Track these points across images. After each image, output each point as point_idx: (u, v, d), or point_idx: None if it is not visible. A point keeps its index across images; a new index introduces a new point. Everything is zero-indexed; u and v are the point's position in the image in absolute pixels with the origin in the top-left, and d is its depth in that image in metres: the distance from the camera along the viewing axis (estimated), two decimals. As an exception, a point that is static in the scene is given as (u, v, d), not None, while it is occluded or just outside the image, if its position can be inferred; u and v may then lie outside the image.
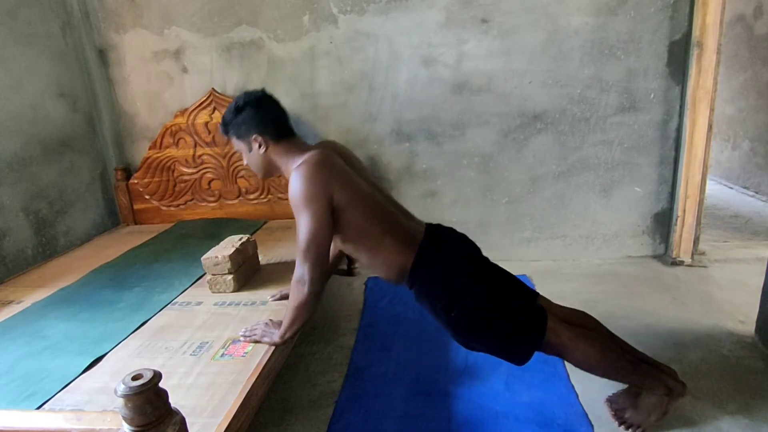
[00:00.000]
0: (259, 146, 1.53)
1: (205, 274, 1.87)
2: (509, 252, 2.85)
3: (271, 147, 1.53)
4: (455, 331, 1.51)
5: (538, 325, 1.44)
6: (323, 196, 1.40)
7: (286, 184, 2.71)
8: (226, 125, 1.57)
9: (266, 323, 1.53)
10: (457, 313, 1.46)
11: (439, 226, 1.63)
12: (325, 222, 1.40)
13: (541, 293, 1.62)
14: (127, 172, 2.88)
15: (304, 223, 1.39)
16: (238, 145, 1.58)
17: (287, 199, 2.83)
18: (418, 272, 1.49)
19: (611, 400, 1.60)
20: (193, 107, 2.71)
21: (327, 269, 1.49)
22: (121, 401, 0.82)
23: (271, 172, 1.60)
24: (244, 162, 1.62)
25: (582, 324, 1.55)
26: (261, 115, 1.53)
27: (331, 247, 1.73)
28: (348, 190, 1.44)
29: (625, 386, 1.59)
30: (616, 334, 1.60)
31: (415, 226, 1.57)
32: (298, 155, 1.51)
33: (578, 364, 1.50)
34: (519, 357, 1.48)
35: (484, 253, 1.63)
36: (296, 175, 1.42)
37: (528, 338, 1.45)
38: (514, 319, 1.46)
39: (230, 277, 1.82)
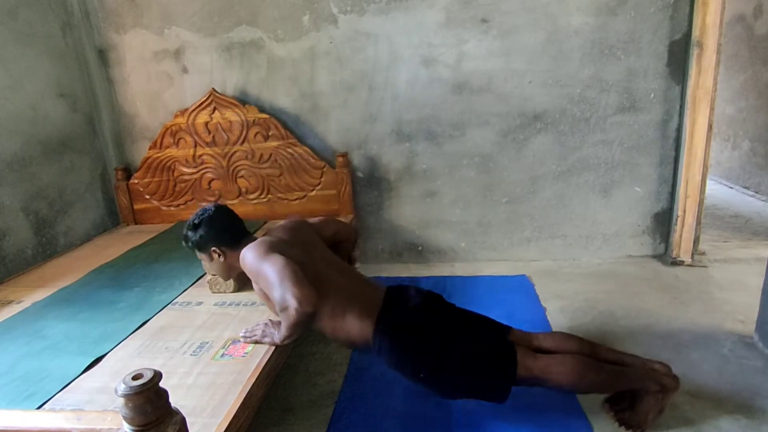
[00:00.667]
0: (219, 256, 1.65)
1: (205, 274, 1.87)
2: (509, 252, 2.85)
3: (229, 254, 1.64)
4: (430, 388, 1.54)
5: (507, 365, 1.46)
6: (275, 251, 1.45)
7: (286, 184, 2.75)
8: (186, 242, 1.68)
9: (266, 323, 1.53)
10: (425, 374, 1.50)
11: (398, 288, 1.65)
12: (288, 260, 1.41)
13: (511, 329, 1.62)
14: (127, 172, 2.88)
15: (269, 270, 1.41)
16: (200, 256, 1.70)
17: (287, 199, 2.86)
18: (380, 340, 1.50)
19: (610, 401, 1.60)
20: (193, 107, 2.71)
21: (312, 290, 1.40)
22: (121, 401, 0.82)
23: (232, 274, 1.73)
24: (205, 269, 1.78)
25: (560, 348, 1.56)
26: (215, 231, 1.63)
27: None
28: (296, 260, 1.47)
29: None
30: (614, 337, 1.60)
31: (373, 294, 1.59)
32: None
33: (559, 390, 1.52)
34: (498, 397, 1.50)
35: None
36: (245, 251, 1.51)
37: (500, 378, 1.48)
38: (482, 365, 1.49)
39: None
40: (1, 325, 1.70)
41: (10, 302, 1.90)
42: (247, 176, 2.78)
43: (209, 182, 2.82)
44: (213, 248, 1.64)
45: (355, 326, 1.51)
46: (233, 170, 2.78)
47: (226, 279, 1.80)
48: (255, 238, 1.65)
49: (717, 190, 4.11)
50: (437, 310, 1.60)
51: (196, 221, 1.65)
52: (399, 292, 1.62)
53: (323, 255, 1.66)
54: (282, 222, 1.74)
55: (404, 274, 2.74)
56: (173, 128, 2.75)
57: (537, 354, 1.50)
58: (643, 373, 1.50)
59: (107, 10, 2.71)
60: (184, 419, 0.90)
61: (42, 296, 1.92)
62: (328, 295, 1.50)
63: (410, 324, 1.52)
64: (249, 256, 1.48)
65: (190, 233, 1.66)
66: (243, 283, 1.88)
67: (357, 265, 2.82)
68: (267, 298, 1.52)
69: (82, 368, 1.40)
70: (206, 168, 2.79)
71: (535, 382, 1.48)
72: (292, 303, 1.34)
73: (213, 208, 1.68)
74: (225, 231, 1.65)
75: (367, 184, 2.82)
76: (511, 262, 2.83)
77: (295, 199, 2.78)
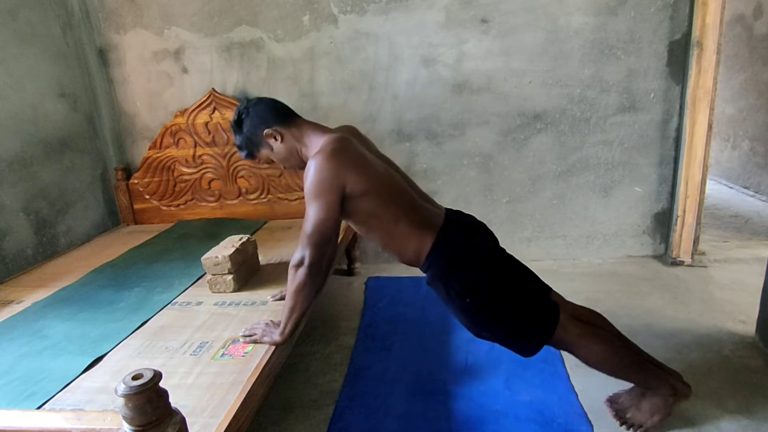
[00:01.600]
0: (275, 139, 1.53)
1: (205, 274, 1.87)
2: (509, 251, 2.84)
3: (286, 135, 1.52)
4: (468, 318, 1.50)
5: (549, 320, 1.45)
6: (335, 188, 1.38)
7: (286, 184, 2.75)
8: (242, 148, 1.58)
9: (266, 323, 1.53)
10: (471, 300, 1.45)
11: (459, 212, 1.62)
12: (334, 214, 1.39)
13: (551, 289, 1.61)
14: (128, 172, 2.88)
15: (312, 212, 1.38)
16: (264, 156, 1.58)
17: (287, 199, 2.85)
18: (436, 256, 1.47)
19: (612, 400, 1.60)
20: (193, 107, 2.71)
21: (329, 258, 1.43)
22: (121, 401, 0.82)
23: (302, 160, 1.54)
24: (282, 167, 1.62)
25: (591, 321, 1.55)
26: (256, 115, 1.53)
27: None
28: (363, 177, 1.41)
29: (627, 386, 1.59)
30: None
31: (435, 211, 1.55)
32: (316, 139, 1.50)
33: (586, 361, 1.50)
34: (528, 349, 1.48)
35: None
36: (311, 164, 1.40)
37: (539, 332, 1.46)
38: (527, 311, 1.47)
39: (230, 277, 1.82)
40: (1, 325, 1.70)
41: (10, 302, 1.89)
42: (247, 176, 2.78)
43: (209, 182, 2.82)
44: (266, 131, 1.51)
45: (414, 237, 1.46)
46: (233, 170, 2.78)
47: (299, 168, 1.57)
48: (318, 125, 1.56)
49: (717, 190, 4.11)
50: (494, 245, 1.58)
51: (236, 118, 1.55)
52: (461, 217, 1.60)
53: (390, 162, 1.60)
54: (350, 127, 1.64)
55: (405, 275, 2.74)
56: (173, 128, 2.75)
57: (576, 320, 1.49)
58: (660, 373, 1.49)
59: (107, 10, 2.71)
60: (184, 419, 0.90)
61: (42, 296, 1.92)
62: (395, 199, 1.46)
63: (470, 247, 1.48)
64: (310, 173, 1.38)
65: (237, 135, 1.56)
66: (243, 283, 1.88)
67: (357, 264, 2.83)
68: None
69: (82, 368, 1.40)
70: (206, 168, 2.79)
71: (566, 346, 1.47)
72: (307, 264, 1.36)
73: (246, 99, 1.58)
74: (269, 109, 1.54)
75: (367, 184, 2.82)
76: (511, 262, 2.83)
77: (295, 199, 2.78)
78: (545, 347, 1.49)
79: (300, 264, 1.41)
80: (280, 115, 1.55)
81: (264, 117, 1.53)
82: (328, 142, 1.43)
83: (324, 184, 1.37)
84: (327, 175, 1.37)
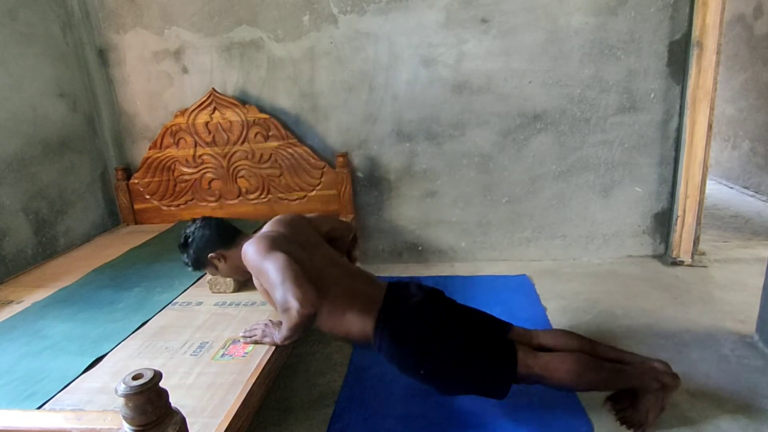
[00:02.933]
0: (220, 260, 1.67)
1: (205, 274, 1.87)
2: (509, 252, 2.85)
3: (229, 255, 1.66)
4: (430, 385, 1.54)
5: (508, 363, 1.46)
6: (276, 248, 1.44)
7: (286, 184, 2.75)
8: (188, 265, 1.71)
9: (266, 323, 1.53)
10: (425, 371, 1.50)
11: (399, 285, 1.64)
12: (289, 259, 1.40)
13: (512, 326, 1.62)
14: (128, 172, 2.88)
15: (269, 269, 1.40)
16: (208, 271, 1.74)
17: (287, 199, 2.86)
18: (380, 338, 1.50)
19: (612, 400, 1.60)
20: (194, 107, 2.71)
21: (313, 290, 1.39)
22: (121, 401, 0.82)
23: (244, 272, 1.64)
24: (213, 285, 1.80)
25: (559, 346, 1.56)
26: (205, 239, 1.65)
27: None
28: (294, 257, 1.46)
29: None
30: (614, 336, 1.60)
31: (373, 291, 1.58)
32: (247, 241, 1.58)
33: (559, 388, 1.52)
34: (498, 394, 1.51)
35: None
36: (247, 246, 1.50)
37: (500, 376, 1.48)
38: (482, 363, 1.49)
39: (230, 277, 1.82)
40: (1, 325, 1.70)
41: (10, 302, 1.90)
42: (247, 176, 2.78)
43: (209, 182, 2.82)
44: (210, 255, 1.64)
45: (355, 323, 1.51)
46: (233, 170, 2.78)
47: (242, 279, 1.78)
48: (249, 235, 1.65)
49: (717, 190, 4.11)
50: (438, 307, 1.59)
51: (182, 241, 1.68)
52: (400, 289, 1.62)
53: (322, 251, 1.65)
54: (279, 216, 1.72)
55: (404, 274, 2.74)
56: (173, 128, 2.75)
57: (537, 352, 1.50)
58: (643, 371, 1.50)
59: (107, 10, 2.71)
60: (184, 419, 0.90)
61: (42, 296, 1.92)
62: (328, 292, 1.50)
63: (411, 321, 1.51)
64: (250, 252, 1.48)
65: (183, 255, 1.69)
66: (243, 283, 1.88)
67: (357, 264, 2.83)
68: (268, 295, 1.52)
69: (82, 368, 1.40)
70: (206, 168, 2.79)
71: (535, 380, 1.48)
72: (294, 305, 1.33)
73: (193, 222, 1.70)
74: (215, 235, 1.66)
75: (367, 184, 2.82)
76: (511, 261, 2.83)
77: (295, 200, 2.78)
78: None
79: (286, 308, 1.36)
80: (224, 238, 1.67)
81: (208, 243, 1.65)
82: (257, 235, 1.56)
83: (265, 248, 1.44)
84: (265, 242, 1.47)
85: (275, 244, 1.47)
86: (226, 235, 1.68)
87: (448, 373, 1.50)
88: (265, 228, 1.64)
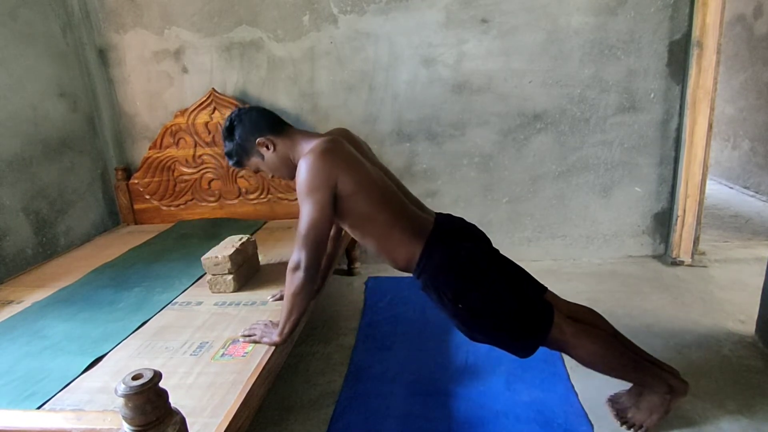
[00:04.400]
0: (267, 148, 1.53)
1: (205, 274, 1.87)
2: (509, 251, 2.78)
3: (279, 143, 1.53)
4: (461, 323, 1.50)
5: (544, 321, 1.44)
6: (327, 186, 1.39)
7: (286, 184, 2.74)
8: (231, 156, 1.57)
9: (266, 324, 1.53)
10: (464, 305, 1.45)
11: (449, 216, 1.62)
12: (327, 212, 1.40)
13: (547, 289, 1.62)
14: (128, 172, 2.88)
15: (306, 212, 1.40)
16: (254, 164, 1.58)
17: (287, 199, 2.85)
18: (426, 263, 1.47)
19: (613, 400, 1.60)
20: (194, 107, 2.71)
21: (323, 259, 1.48)
22: (121, 401, 0.82)
23: (293, 168, 1.52)
24: (269, 175, 1.62)
25: (587, 320, 1.55)
26: (249, 123, 1.53)
27: (329, 244, 1.75)
28: (354, 178, 1.42)
29: (627, 386, 1.59)
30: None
31: (425, 216, 1.56)
32: (306, 145, 1.50)
33: (581, 361, 1.50)
34: (523, 351, 1.48)
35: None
36: (302, 163, 1.41)
37: (533, 333, 1.46)
38: (520, 313, 1.46)
39: (230, 277, 1.82)
40: (1, 325, 1.70)
41: (10, 302, 1.89)
42: (247, 176, 2.78)
43: (209, 182, 2.82)
44: (259, 140, 1.51)
45: (402, 242, 1.48)
46: (233, 170, 2.78)
47: (289, 177, 1.57)
48: (310, 132, 1.58)
49: (717, 190, 4.11)
50: (486, 248, 1.57)
51: (228, 125, 1.54)
52: (451, 221, 1.59)
53: (382, 166, 1.62)
54: (343, 129, 1.64)
55: (404, 275, 2.73)
56: (173, 128, 2.75)
57: (570, 319, 1.49)
58: (656, 371, 1.49)
59: (107, 10, 2.71)
60: (184, 419, 0.90)
61: (42, 296, 1.92)
62: (384, 205, 1.46)
63: (460, 254, 1.48)
64: (302, 172, 1.39)
65: (228, 143, 1.55)
66: (243, 282, 1.88)
67: (357, 264, 2.83)
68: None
69: (82, 368, 1.40)
70: (206, 168, 2.79)
71: (561, 346, 1.47)
72: (303, 268, 1.39)
73: (236, 109, 1.58)
74: (261, 118, 1.54)
75: (367, 184, 2.82)
76: (511, 262, 2.83)
77: (295, 199, 2.76)
78: (542, 348, 1.49)
79: (297, 267, 1.42)
80: (272, 123, 1.55)
81: (256, 125, 1.52)
82: (318, 144, 1.44)
83: (315, 181, 1.38)
84: (318, 173, 1.38)
85: (329, 174, 1.38)
86: (275, 120, 1.55)
87: (486, 316, 1.46)
88: (331, 133, 1.57)
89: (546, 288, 1.61)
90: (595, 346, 1.45)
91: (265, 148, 1.53)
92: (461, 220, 1.63)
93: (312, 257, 1.41)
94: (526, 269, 1.62)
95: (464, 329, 1.52)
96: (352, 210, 1.45)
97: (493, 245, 1.63)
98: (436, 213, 1.61)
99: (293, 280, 1.43)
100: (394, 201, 1.50)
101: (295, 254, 1.43)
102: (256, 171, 1.62)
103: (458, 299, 1.45)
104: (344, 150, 1.46)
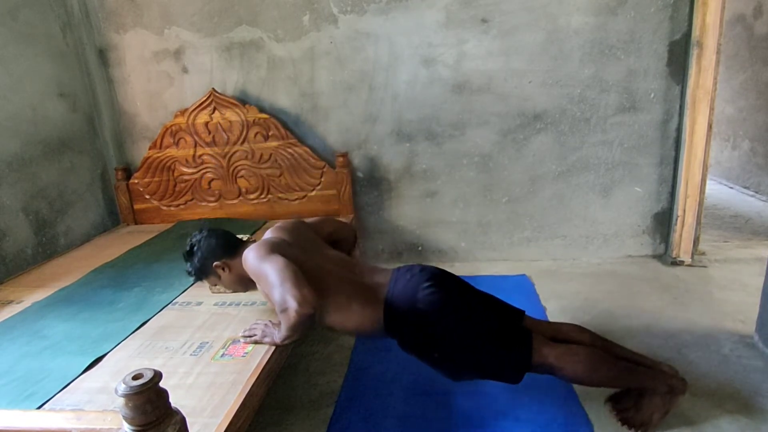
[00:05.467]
0: (224, 269, 1.65)
1: (205, 273, 1.87)
2: (509, 252, 2.85)
3: (233, 265, 1.64)
4: (442, 370, 1.54)
5: (523, 350, 1.46)
6: (277, 251, 1.46)
7: (286, 184, 2.75)
8: (192, 275, 1.70)
9: (266, 323, 1.53)
10: (439, 355, 1.50)
11: (407, 268, 1.61)
12: (287, 262, 1.42)
13: (525, 314, 1.63)
14: (127, 172, 2.88)
15: (269, 270, 1.42)
16: (211, 280, 1.72)
17: (287, 199, 2.85)
18: (391, 324, 1.51)
19: (613, 400, 1.60)
20: (193, 107, 2.71)
21: (311, 292, 1.39)
22: (121, 401, 0.82)
23: (246, 284, 1.65)
24: (222, 289, 1.77)
25: (572, 338, 1.56)
26: (210, 248, 1.65)
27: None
28: (295, 260, 1.47)
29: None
30: (614, 337, 1.60)
31: (379, 280, 1.58)
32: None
33: (571, 380, 1.52)
34: (510, 380, 1.51)
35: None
36: (247, 252, 1.51)
37: (514, 363, 1.48)
38: (497, 348, 1.48)
39: (230, 277, 1.82)
40: (1, 325, 1.70)
41: (10, 302, 1.89)
42: (247, 176, 2.78)
43: (209, 182, 2.82)
44: (215, 264, 1.64)
45: (364, 314, 1.51)
46: (233, 170, 2.78)
47: (243, 291, 1.76)
48: (252, 242, 1.66)
49: (717, 190, 4.11)
50: (450, 290, 1.56)
51: (188, 249, 1.69)
52: (406, 273, 1.58)
53: (323, 252, 1.66)
54: (279, 222, 1.75)
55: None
56: (173, 128, 2.75)
57: (551, 342, 1.49)
58: (653, 373, 1.49)
59: (107, 10, 2.71)
60: (184, 419, 0.90)
61: (42, 296, 1.92)
62: (329, 289, 1.50)
63: (422, 305, 1.48)
64: (250, 257, 1.49)
65: (188, 264, 1.69)
66: (243, 283, 1.88)
67: (357, 265, 2.84)
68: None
69: (82, 368, 1.40)
70: (206, 168, 2.79)
71: (548, 369, 1.47)
72: (292, 305, 1.34)
73: (199, 232, 1.70)
74: (219, 245, 1.67)
75: (367, 184, 2.82)
76: (511, 261, 2.83)
77: (295, 199, 2.78)
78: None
79: (283, 308, 1.37)
80: (227, 248, 1.66)
81: (213, 251, 1.65)
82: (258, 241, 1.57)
83: (265, 252, 1.46)
84: (264, 247, 1.48)
85: (274, 248, 1.48)
86: (230, 244, 1.68)
87: (462, 360, 1.49)
88: (266, 235, 1.66)
89: (523, 313, 1.61)
90: (580, 366, 1.45)
91: (221, 270, 1.66)
92: (418, 267, 1.61)
93: (295, 292, 1.35)
94: (497, 298, 1.63)
95: (448, 375, 1.56)
96: None
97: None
98: (394, 269, 1.63)
99: (286, 319, 1.39)
100: (338, 283, 1.54)
101: (277, 303, 1.38)
102: (215, 285, 1.76)
103: (431, 350, 1.50)
104: (277, 243, 1.54)
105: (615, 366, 1.48)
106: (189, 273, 1.70)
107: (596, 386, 1.53)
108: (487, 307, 1.57)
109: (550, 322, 1.62)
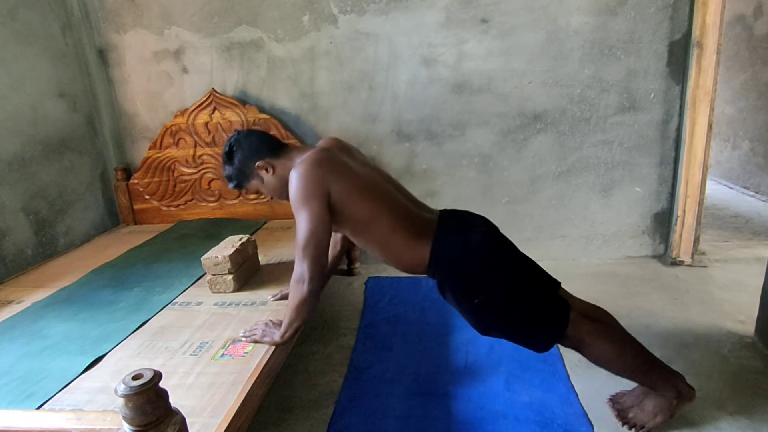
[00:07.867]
0: (266, 171, 1.55)
1: (205, 274, 1.87)
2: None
3: (277, 166, 1.55)
4: (477, 319, 1.49)
5: (560, 316, 1.43)
6: (320, 194, 1.40)
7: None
8: (231, 179, 1.59)
9: (266, 323, 1.53)
10: (480, 301, 1.44)
11: (453, 211, 1.60)
12: (324, 219, 1.40)
13: (560, 286, 1.60)
14: (127, 172, 2.88)
15: (302, 221, 1.39)
16: (254, 186, 1.60)
17: (287, 199, 2.83)
18: (436, 263, 1.46)
19: (613, 400, 1.60)
20: (193, 107, 2.71)
21: (326, 268, 1.47)
22: (121, 401, 0.82)
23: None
24: (268, 197, 1.63)
25: (602, 320, 1.54)
26: (248, 147, 1.55)
27: (331, 248, 1.74)
28: (347, 184, 1.43)
29: (628, 385, 1.59)
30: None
31: (428, 216, 1.54)
32: (299, 157, 1.51)
33: (594, 359, 1.49)
34: (540, 346, 1.47)
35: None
36: (294, 174, 1.43)
37: (550, 328, 1.44)
38: (537, 308, 1.45)
39: (230, 277, 1.82)
40: (1, 325, 1.70)
41: (10, 302, 1.89)
42: (247, 176, 2.77)
43: (209, 182, 2.82)
44: (258, 163, 1.52)
45: (407, 247, 1.46)
46: (233, 170, 2.77)
47: (288, 198, 1.54)
48: (303, 146, 1.59)
49: (717, 190, 4.11)
50: (497, 241, 1.53)
51: (227, 150, 1.56)
52: (457, 217, 1.56)
53: (378, 169, 1.62)
54: (333, 138, 1.65)
55: (404, 275, 2.73)
56: (173, 128, 2.75)
57: (586, 318, 1.47)
58: (665, 375, 1.48)
59: (107, 10, 2.71)
60: (184, 419, 0.90)
61: (42, 296, 1.92)
62: (384, 209, 1.45)
63: (471, 249, 1.45)
64: (294, 183, 1.40)
65: (228, 167, 1.57)
66: (243, 282, 1.88)
67: (357, 264, 2.83)
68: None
69: (82, 368, 1.40)
70: (206, 168, 2.79)
71: (576, 344, 1.45)
72: (308, 281, 1.38)
73: (236, 132, 1.59)
74: (260, 142, 1.56)
75: (367, 184, 2.82)
76: (511, 262, 2.82)
77: (295, 199, 2.77)
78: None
79: (301, 280, 1.41)
80: (271, 146, 1.57)
81: (256, 149, 1.55)
82: (309, 155, 1.46)
83: (307, 191, 1.39)
84: (309, 182, 1.39)
85: (322, 182, 1.39)
86: (273, 142, 1.57)
87: (502, 310, 1.44)
88: (320, 143, 1.59)
89: (559, 283, 1.59)
90: (609, 345, 1.43)
91: (264, 171, 1.55)
92: (466, 213, 1.60)
93: (315, 268, 1.40)
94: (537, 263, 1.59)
95: (480, 326, 1.50)
96: (350, 217, 1.45)
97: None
98: (440, 210, 1.60)
99: (298, 291, 1.42)
100: (393, 204, 1.49)
101: (297, 266, 1.42)
102: (256, 192, 1.64)
103: (473, 294, 1.44)
104: (335, 158, 1.47)
105: (640, 356, 1.46)
106: (229, 178, 1.58)
107: (615, 371, 1.50)
108: (533, 269, 1.55)
109: (583, 301, 1.57)
